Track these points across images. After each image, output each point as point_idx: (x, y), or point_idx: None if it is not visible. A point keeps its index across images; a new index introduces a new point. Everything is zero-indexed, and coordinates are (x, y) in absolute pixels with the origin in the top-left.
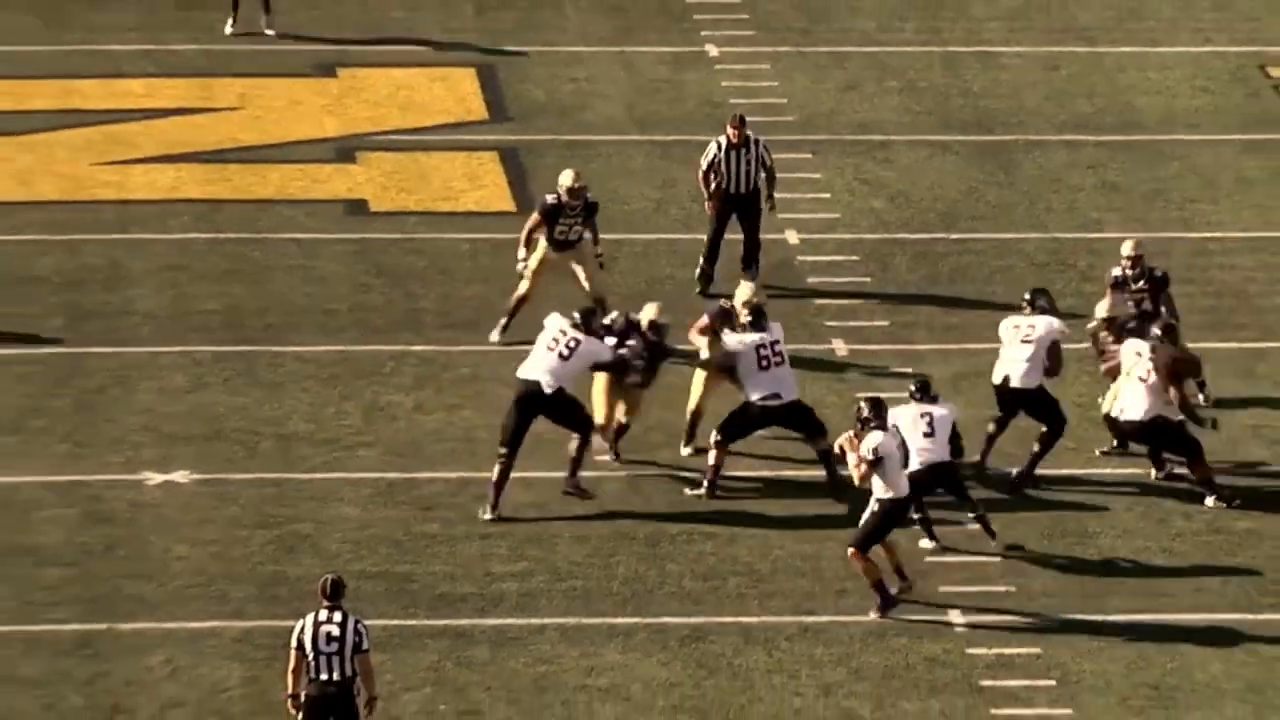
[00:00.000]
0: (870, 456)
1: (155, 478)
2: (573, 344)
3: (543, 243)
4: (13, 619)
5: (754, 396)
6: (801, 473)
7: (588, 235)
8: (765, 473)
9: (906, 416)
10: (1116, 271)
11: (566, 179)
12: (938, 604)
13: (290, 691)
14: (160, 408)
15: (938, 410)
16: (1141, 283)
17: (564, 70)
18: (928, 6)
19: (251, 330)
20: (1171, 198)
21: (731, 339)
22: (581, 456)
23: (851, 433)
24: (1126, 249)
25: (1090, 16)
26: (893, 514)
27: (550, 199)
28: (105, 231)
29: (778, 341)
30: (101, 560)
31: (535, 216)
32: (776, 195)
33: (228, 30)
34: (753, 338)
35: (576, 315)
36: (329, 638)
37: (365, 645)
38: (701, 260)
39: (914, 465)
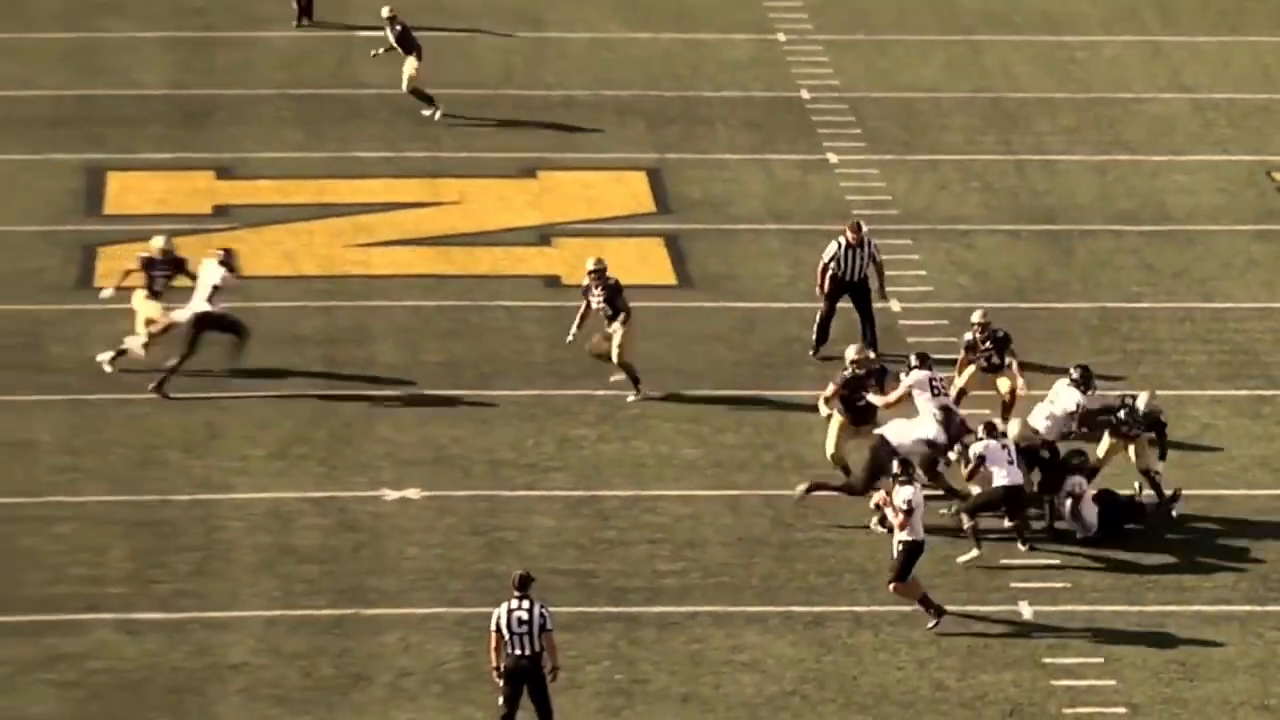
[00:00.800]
0: (905, 508)
1: (391, 494)
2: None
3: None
4: (280, 605)
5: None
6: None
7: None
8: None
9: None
10: (969, 336)
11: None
12: (1009, 598)
13: (493, 665)
14: (396, 438)
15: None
16: (988, 343)
17: (716, 173)
18: (1002, 123)
19: (469, 378)
20: (1195, 275)
21: (907, 378)
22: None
23: (884, 490)
24: (976, 317)
25: (1132, 132)
26: (915, 553)
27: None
28: (354, 299)
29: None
30: (349, 559)
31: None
32: (885, 286)
33: (436, 116)
34: (919, 374)
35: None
36: (520, 621)
37: (549, 626)
38: (814, 336)
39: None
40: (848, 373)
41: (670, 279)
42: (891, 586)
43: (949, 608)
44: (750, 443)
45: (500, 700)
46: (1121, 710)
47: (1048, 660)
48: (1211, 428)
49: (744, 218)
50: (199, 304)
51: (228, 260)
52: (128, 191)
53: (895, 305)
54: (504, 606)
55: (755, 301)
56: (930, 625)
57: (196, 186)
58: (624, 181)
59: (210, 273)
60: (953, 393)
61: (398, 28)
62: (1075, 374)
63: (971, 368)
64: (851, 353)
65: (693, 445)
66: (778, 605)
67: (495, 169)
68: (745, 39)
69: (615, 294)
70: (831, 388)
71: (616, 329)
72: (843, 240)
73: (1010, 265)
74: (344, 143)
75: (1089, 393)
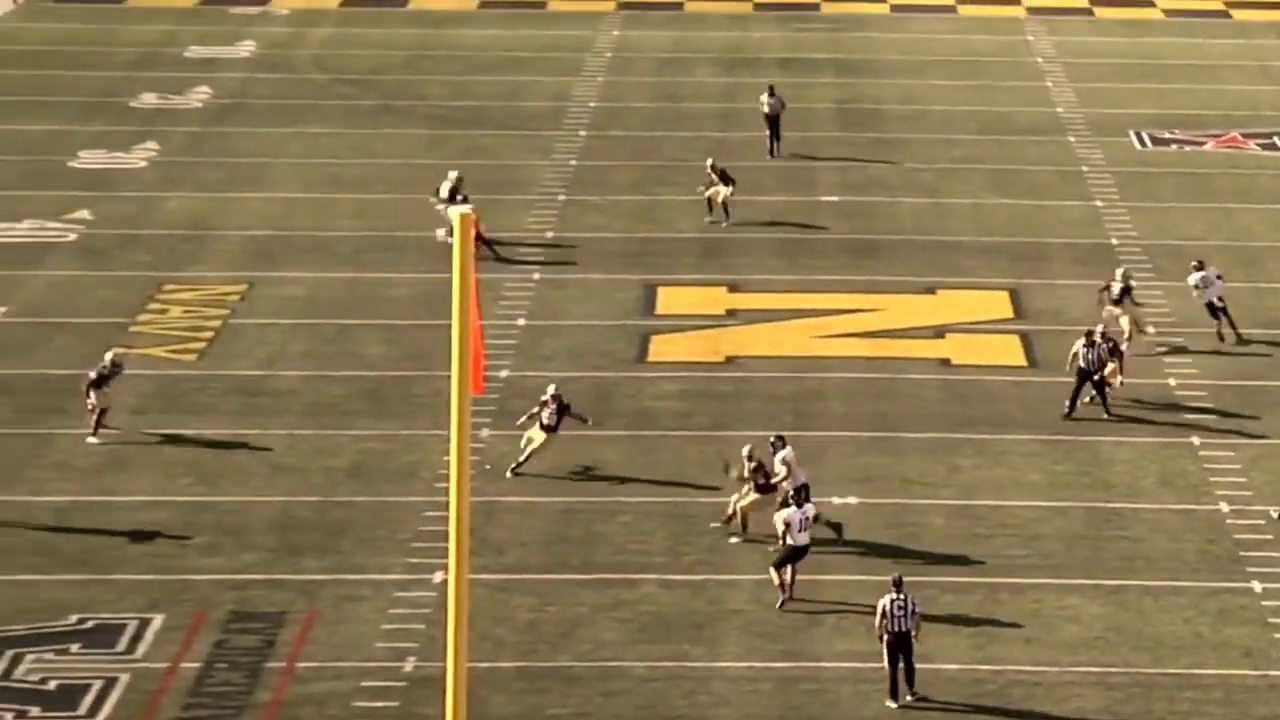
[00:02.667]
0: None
1: (838, 500)
2: None
3: None
4: (762, 570)
5: None
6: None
7: None
8: None
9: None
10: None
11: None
12: (1245, 578)
13: (879, 634)
14: (847, 463)
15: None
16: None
17: (1055, 293)
18: (1245, 263)
19: (890, 424)
20: None
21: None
22: None
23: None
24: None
25: None
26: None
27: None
28: (814, 372)
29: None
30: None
31: None
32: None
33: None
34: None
35: None
36: (899, 607)
37: (916, 610)
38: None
39: None
40: None
41: (1022, 362)
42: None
43: (1209, 583)
44: (1073, 470)
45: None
46: None
47: (1272, 620)
48: None
49: (1074, 322)
50: None
51: None
52: (671, 299)
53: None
54: (887, 597)
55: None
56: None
57: (715, 297)
58: (993, 298)
59: None
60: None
61: (714, 174)
62: None
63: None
64: None
65: (1035, 472)
66: (1090, 579)
67: (907, 288)
68: (1074, 204)
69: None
70: None
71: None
72: (1083, 340)
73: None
74: (810, 269)
75: None
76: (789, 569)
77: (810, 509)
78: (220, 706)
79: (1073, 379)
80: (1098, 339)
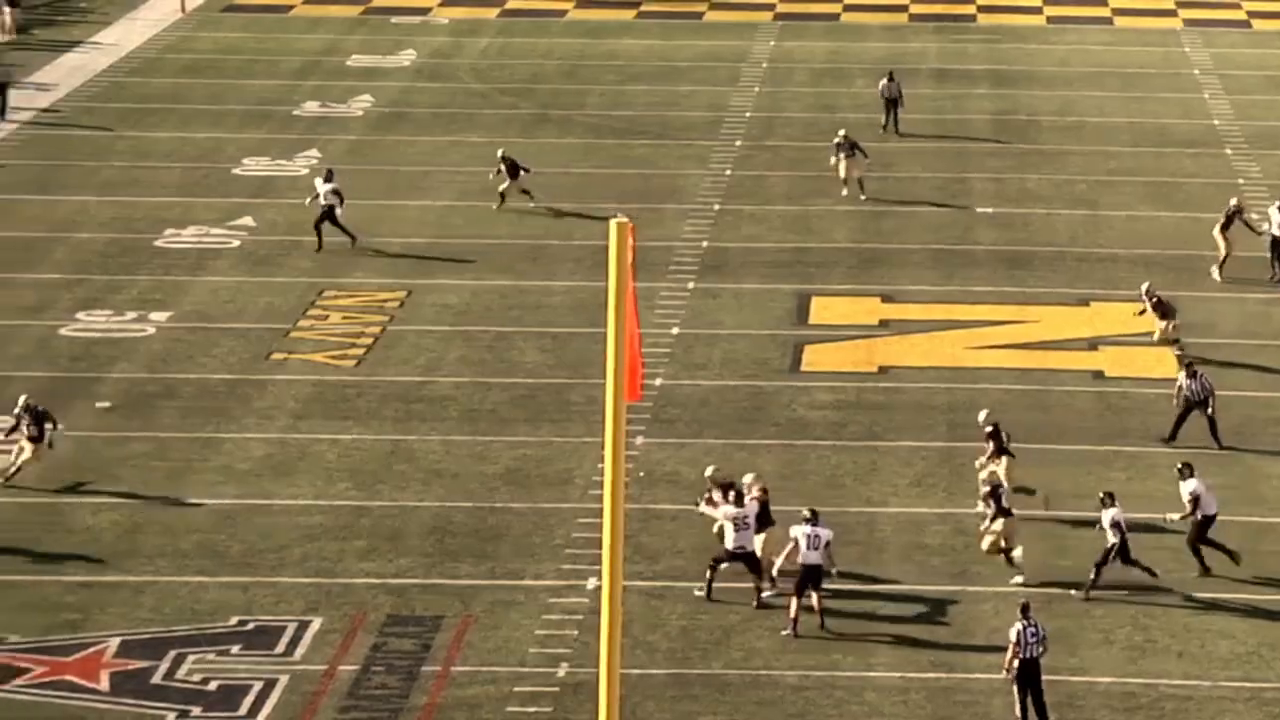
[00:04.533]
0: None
1: (980, 507)
2: None
3: None
4: (915, 580)
5: None
6: None
7: None
8: None
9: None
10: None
11: None
12: None
13: (1005, 665)
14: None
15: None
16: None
17: (1198, 304)
18: None
19: (1041, 435)
20: None
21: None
22: None
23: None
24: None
25: None
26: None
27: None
28: (967, 383)
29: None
30: (956, 552)
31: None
32: None
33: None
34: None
35: None
36: (1031, 634)
37: (1043, 635)
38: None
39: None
40: None
41: (1176, 375)
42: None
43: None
44: (1227, 484)
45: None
46: None
47: None
48: None
49: (1227, 335)
50: None
51: None
52: (824, 309)
53: None
54: (1020, 624)
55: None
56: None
57: (868, 307)
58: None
59: None
60: None
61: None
62: None
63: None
64: None
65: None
66: (1244, 594)
67: (1061, 300)
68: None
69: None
70: None
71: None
72: (1184, 372)
73: None
74: (963, 280)
75: None
76: (809, 596)
77: (825, 532)
78: (376, 709)
79: (1178, 409)
80: (1198, 369)
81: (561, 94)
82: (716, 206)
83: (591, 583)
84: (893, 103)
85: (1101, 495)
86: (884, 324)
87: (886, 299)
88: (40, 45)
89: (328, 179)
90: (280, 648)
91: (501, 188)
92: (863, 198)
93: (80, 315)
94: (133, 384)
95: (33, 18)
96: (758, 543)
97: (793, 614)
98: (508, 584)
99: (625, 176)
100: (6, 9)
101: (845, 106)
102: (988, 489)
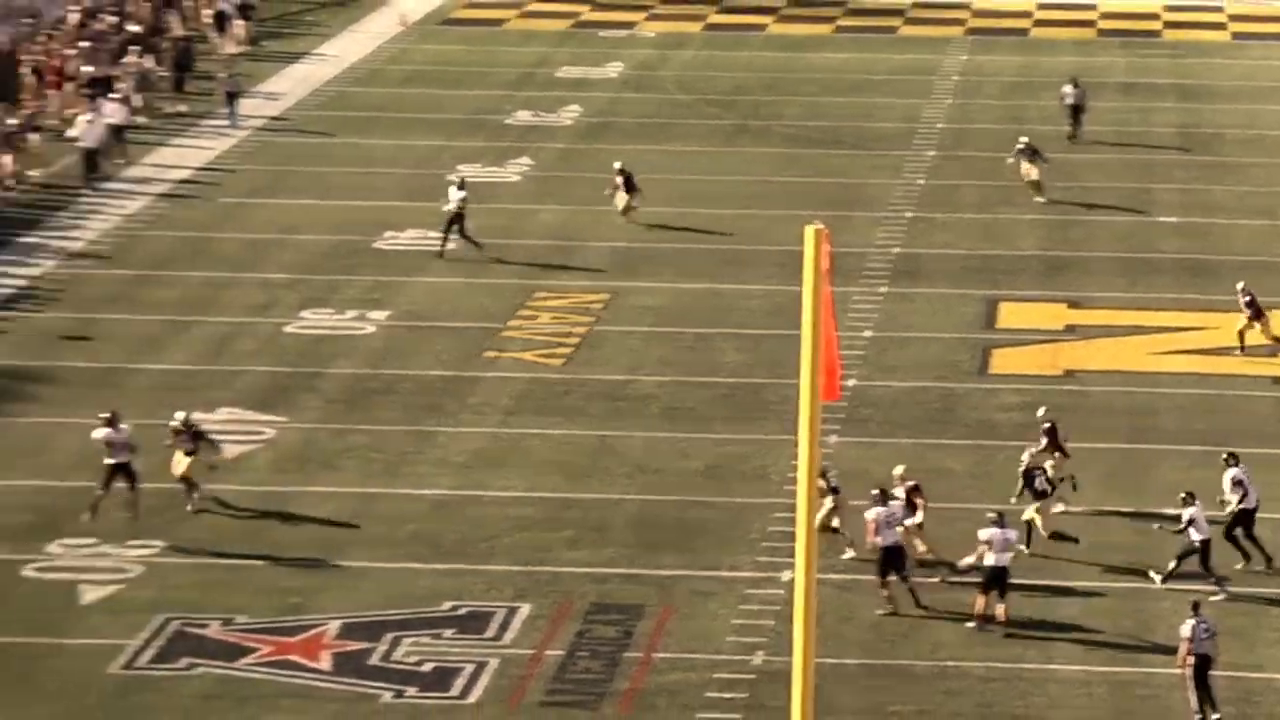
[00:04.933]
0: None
1: (1178, 512)
2: None
3: None
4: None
5: None
6: None
7: None
8: None
9: None
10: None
11: None
12: None
13: (1180, 662)
14: (1174, 477)
15: None
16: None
17: None
18: None
19: (1220, 439)
20: None
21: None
22: None
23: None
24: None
25: None
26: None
27: None
28: (1148, 387)
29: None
30: (1131, 547)
31: None
32: None
33: None
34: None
35: None
36: (1204, 630)
37: (1214, 631)
38: None
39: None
40: None
41: None
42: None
43: None
44: None
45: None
46: None
47: None
48: None
49: None
50: None
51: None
52: (1012, 314)
53: None
54: (1192, 620)
55: None
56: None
57: (1055, 313)
58: None
59: None
60: None
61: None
62: None
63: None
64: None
65: None
66: None
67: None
68: None
69: None
70: None
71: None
72: None
73: None
74: (1148, 287)
75: None
76: (995, 595)
77: (1012, 534)
78: (581, 693)
79: None
80: None
81: (761, 105)
82: (909, 214)
83: (786, 575)
84: (1077, 109)
85: (1183, 495)
86: (1070, 329)
87: (1073, 305)
88: (270, 56)
89: (460, 187)
90: (491, 632)
91: (618, 203)
92: (1041, 200)
93: (304, 314)
94: (354, 379)
95: (263, 30)
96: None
97: (980, 610)
98: (706, 575)
99: (821, 185)
100: (239, 22)
101: (1034, 119)
102: (1024, 469)
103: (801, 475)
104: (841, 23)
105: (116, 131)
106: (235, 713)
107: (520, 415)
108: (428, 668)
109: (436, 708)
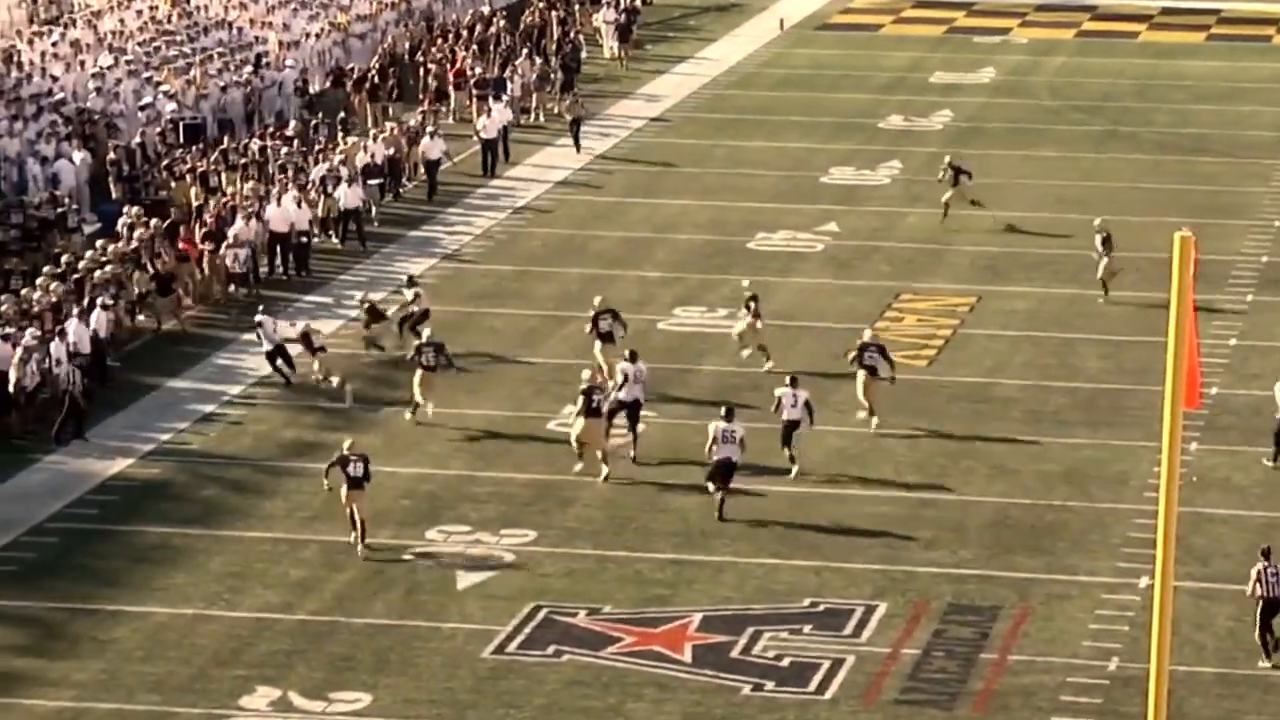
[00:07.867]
0: None
1: None
2: None
3: None
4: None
5: None
6: None
7: None
8: None
9: None
10: None
11: None
12: None
13: (1250, 592)
14: None
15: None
16: None
17: None
18: None
19: None
20: None
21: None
22: None
23: None
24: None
25: None
26: None
27: None
28: None
29: None
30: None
31: None
32: None
33: None
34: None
35: None
36: (1272, 574)
37: None
38: None
39: None
40: None
41: None
42: None
43: None
44: None
45: None
46: None
47: None
48: None
49: None
50: None
51: None
52: None
53: None
54: (1260, 564)
55: None
56: None
57: None
58: None
59: None
60: None
61: None
62: None
63: None
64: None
65: None
66: None
67: None
68: None
69: None
70: None
71: None
72: None
73: None
74: None
75: None
76: None
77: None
78: (936, 691)
79: None
80: None
81: (1130, 112)
82: (1277, 223)
83: (1143, 581)
84: None
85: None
86: None
87: None
88: (654, 59)
89: (410, 284)
90: (848, 629)
91: (945, 196)
92: None
93: (677, 311)
94: (720, 377)
95: (647, 34)
96: None
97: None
98: (1063, 579)
99: (1190, 192)
100: (615, 44)
101: None
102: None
103: (1163, 481)
104: (1214, 31)
105: (504, 132)
106: (599, 700)
107: (885, 415)
108: (786, 663)
109: (794, 702)
